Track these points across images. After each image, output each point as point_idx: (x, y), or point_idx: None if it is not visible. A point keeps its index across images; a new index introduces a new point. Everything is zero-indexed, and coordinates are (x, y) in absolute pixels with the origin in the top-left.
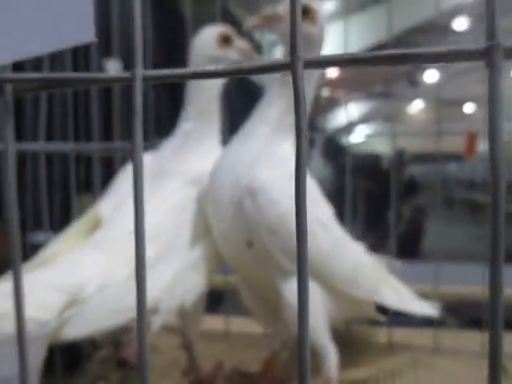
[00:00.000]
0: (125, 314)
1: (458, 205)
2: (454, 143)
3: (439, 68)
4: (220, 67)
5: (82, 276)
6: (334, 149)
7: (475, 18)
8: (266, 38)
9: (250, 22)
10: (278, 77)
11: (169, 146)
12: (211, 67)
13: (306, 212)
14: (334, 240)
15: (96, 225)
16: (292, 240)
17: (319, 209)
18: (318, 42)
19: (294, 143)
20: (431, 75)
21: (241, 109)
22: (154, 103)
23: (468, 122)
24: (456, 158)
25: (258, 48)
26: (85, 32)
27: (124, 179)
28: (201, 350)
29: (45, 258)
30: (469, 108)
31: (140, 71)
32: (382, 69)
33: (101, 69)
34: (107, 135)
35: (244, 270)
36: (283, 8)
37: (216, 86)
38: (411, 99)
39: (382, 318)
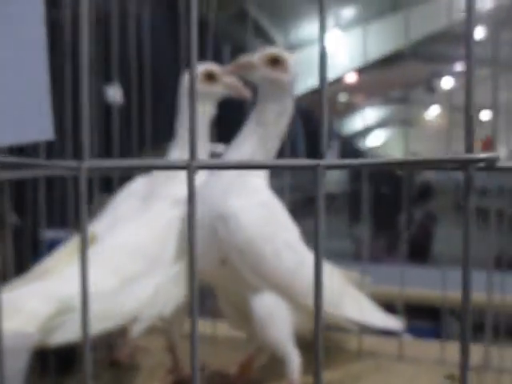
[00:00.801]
0: (108, 321)
1: (491, 214)
2: None
3: (456, 75)
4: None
5: (72, 287)
6: (351, 152)
7: (491, 27)
8: (287, 40)
9: (227, 69)
10: (252, 114)
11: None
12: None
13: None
14: (299, 260)
15: (91, 242)
16: (259, 261)
17: (287, 232)
18: (288, 88)
19: (264, 175)
20: (448, 82)
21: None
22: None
23: (484, 129)
24: None
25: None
26: (44, 131)
27: (120, 200)
28: (184, 352)
29: (40, 271)
30: (485, 115)
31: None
32: (400, 75)
33: (101, 94)
34: (107, 153)
35: (219, 284)
36: (257, 57)
37: (207, 111)
38: (428, 105)
39: (353, 327)
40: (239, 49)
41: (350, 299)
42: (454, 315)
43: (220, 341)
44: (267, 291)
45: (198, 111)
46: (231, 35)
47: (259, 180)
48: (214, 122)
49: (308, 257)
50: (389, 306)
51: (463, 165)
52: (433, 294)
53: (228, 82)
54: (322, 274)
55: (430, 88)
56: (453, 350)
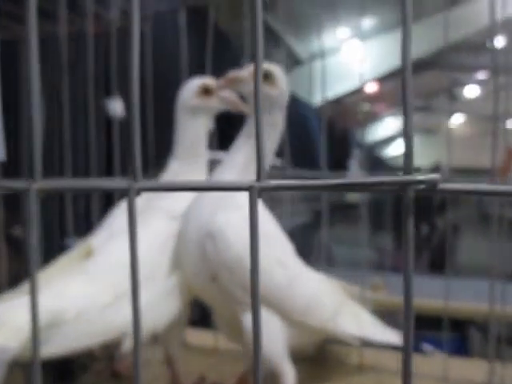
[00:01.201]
0: (97, 336)
1: (492, 221)
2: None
3: (480, 83)
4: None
5: (63, 301)
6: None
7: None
8: (307, 50)
9: (217, 84)
10: (244, 127)
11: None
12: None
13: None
14: (291, 276)
15: (87, 255)
16: (248, 278)
17: (278, 247)
18: (278, 102)
19: None
20: (472, 90)
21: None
22: (155, 135)
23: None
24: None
25: (296, 61)
26: None
27: (117, 213)
28: (182, 365)
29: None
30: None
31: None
32: (422, 84)
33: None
34: (108, 171)
35: (210, 300)
36: (246, 71)
37: (203, 124)
38: (451, 113)
39: (353, 341)
40: None
41: (349, 314)
42: (477, 327)
43: (221, 352)
44: None
45: (195, 125)
46: (250, 45)
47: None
48: (214, 128)
49: (302, 272)
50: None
51: (401, 187)
52: (454, 304)
53: (224, 97)
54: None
55: (453, 96)
56: (456, 365)
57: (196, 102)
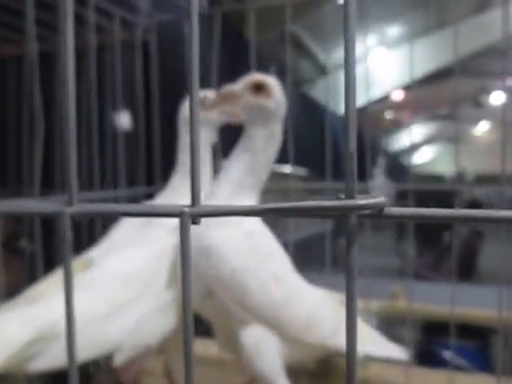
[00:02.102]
0: (91, 350)
1: None
2: None
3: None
4: None
5: (56, 313)
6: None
7: None
8: (331, 59)
9: (211, 100)
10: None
11: (159, 198)
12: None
13: None
14: (288, 292)
15: (86, 267)
16: (244, 294)
17: (275, 263)
18: (274, 113)
19: (253, 202)
20: (497, 96)
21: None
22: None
23: None
24: None
25: (323, 69)
26: None
27: (120, 225)
28: (184, 376)
29: (29, 296)
30: None
31: (70, 209)
32: (448, 91)
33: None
34: (132, 182)
35: (208, 314)
36: (240, 85)
37: (205, 137)
38: (477, 121)
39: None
40: (285, 68)
41: None
42: (501, 335)
43: (225, 363)
44: (255, 324)
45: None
46: (277, 55)
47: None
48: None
49: (301, 289)
50: (432, 325)
51: (344, 213)
52: (479, 312)
53: (225, 109)
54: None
55: (478, 103)
56: (462, 380)
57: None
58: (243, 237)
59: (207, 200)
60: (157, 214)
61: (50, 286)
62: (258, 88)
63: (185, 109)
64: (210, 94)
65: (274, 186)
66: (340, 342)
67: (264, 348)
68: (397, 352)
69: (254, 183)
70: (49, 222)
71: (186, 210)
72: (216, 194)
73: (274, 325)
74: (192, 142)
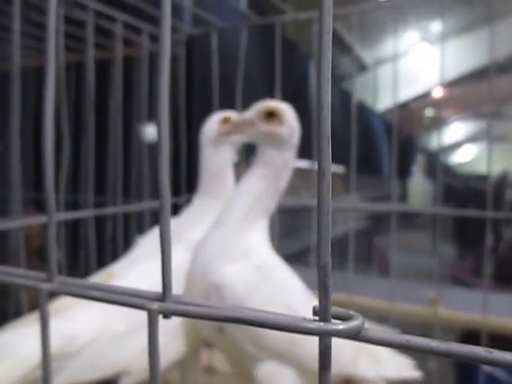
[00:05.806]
0: (97, 370)
1: None
2: None
3: None
4: None
5: (75, 329)
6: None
7: None
8: (372, 56)
9: (222, 131)
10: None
11: (184, 215)
12: None
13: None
14: None
15: (108, 281)
16: (257, 332)
17: (288, 293)
18: (286, 140)
19: (262, 230)
20: None
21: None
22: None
23: None
24: None
25: (362, 67)
26: None
27: (144, 240)
28: None
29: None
30: None
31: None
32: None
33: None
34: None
35: (220, 349)
36: (252, 113)
37: (226, 157)
38: None
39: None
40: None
41: (368, 355)
42: None
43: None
44: (270, 359)
45: (218, 158)
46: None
47: (258, 236)
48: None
49: None
50: (469, 334)
51: (318, 335)
52: None
53: (237, 138)
54: None
55: None
56: None
57: (218, 136)
58: (254, 270)
59: (215, 226)
60: (126, 304)
61: (67, 302)
62: (270, 115)
63: (206, 129)
64: (231, 114)
65: (307, 183)
66: (358, 370)
67: (281, 383)
68: (411, 372)
69: (263, 210)
70: (74, 231)
71: (154, 307)
72: (225, 222)
73: (290, 359)
74: (162, 231)
